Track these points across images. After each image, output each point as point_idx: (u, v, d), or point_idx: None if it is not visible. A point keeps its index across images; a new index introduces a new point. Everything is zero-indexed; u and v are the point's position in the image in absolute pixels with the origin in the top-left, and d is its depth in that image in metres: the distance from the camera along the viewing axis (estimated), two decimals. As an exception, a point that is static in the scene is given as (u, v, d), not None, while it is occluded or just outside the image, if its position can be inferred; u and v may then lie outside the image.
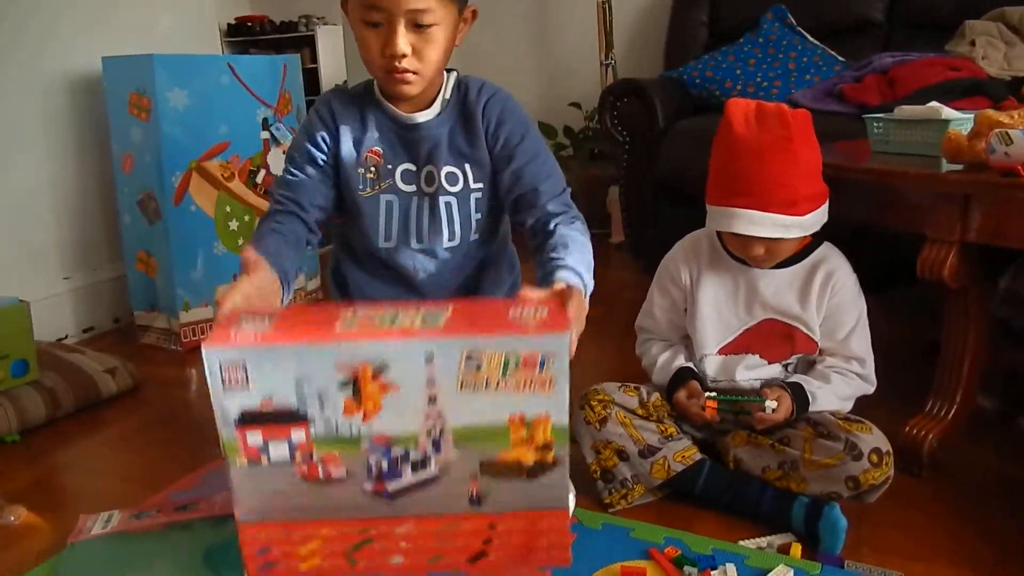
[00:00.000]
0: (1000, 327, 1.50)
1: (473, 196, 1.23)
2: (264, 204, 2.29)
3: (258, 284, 0.96)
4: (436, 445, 0.90)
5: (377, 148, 1.21)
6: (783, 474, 1.21)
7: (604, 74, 3.28)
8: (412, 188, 1.22)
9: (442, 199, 1.22)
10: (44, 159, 2.15)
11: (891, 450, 1.17)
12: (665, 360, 1.36)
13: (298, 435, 0.87)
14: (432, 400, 0.87)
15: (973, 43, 2.42)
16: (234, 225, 2.22)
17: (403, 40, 1.07)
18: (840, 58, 2.65)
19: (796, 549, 1.13)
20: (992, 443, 1.44)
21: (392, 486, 0.91)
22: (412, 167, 1.22)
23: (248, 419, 0.86)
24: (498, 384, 0.85)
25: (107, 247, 2.33)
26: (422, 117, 1.20)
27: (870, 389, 1.30)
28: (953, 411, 1.35)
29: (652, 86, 2.55)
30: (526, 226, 1.19)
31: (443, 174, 1.21)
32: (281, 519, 0.93)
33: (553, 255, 1.08)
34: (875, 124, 1.54)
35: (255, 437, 0.87)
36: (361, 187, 1.22)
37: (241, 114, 2.21)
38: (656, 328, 1.41)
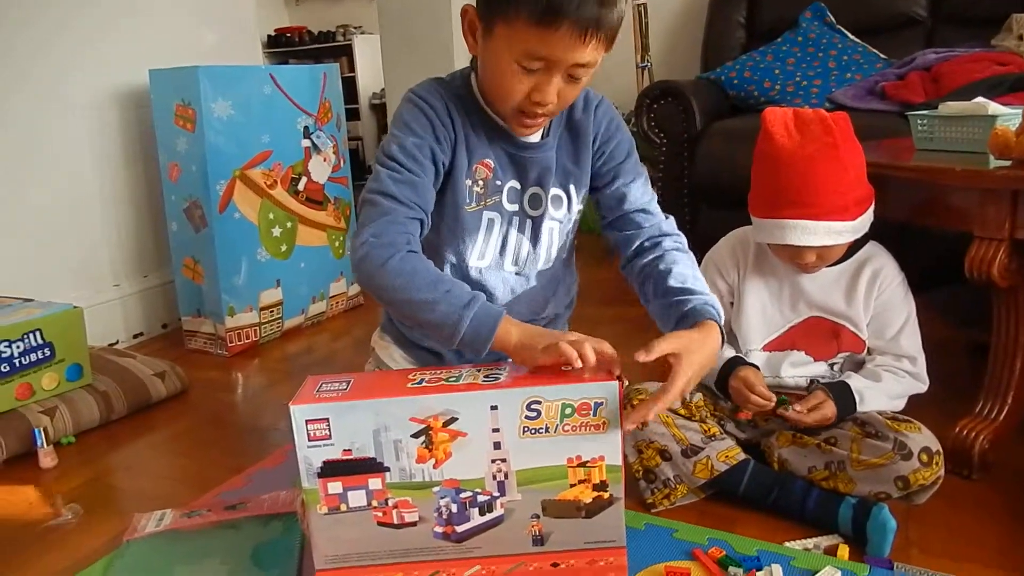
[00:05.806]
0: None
1: (573, 219, 1.19)
2: (306, 211, 2.33)
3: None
4: (501, 487, 0.97)
5: (489, 161, 1.11)
6: (830, 474, 1.20)
7: (640, 77, 3.28)
8: (515, 208, 1.14)
9: (546, 224, 1.16)
10: (94, 169, 2.22)
11: (941, 450, 1.15)
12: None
13: (375, 483, 0.95)
14: (497, 446, 0.95)
15: (1021, 37, 2.37)
16: (277, 232, 2.26)
17: (555, 90, 1.00)
18: (882, 56, 2.61)
19: (844, 550, 1.12)
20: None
21: (461, 528, 0.98)
22: (518, 186, 1.14)
23: (329, 470, 0.94)
24: (556, 429, 0.94)
25: (155, 254, 2.39)
26: (536, 137, 1.13)
27: (922, 388, 1.28)
28: (1004, 412, 1.32)
29: (689, 88, 2.54)
30: (632, 245, 1.17)
31: (550, 197, 1.15)
32: (356, 565, 0.99)
33: (695, 287, 1.08)
34: (919, 121, 1.52)
35: (335, 486, 0.95)
36: (468, 201, 1.11)
37: (283, 123, 2.25)
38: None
